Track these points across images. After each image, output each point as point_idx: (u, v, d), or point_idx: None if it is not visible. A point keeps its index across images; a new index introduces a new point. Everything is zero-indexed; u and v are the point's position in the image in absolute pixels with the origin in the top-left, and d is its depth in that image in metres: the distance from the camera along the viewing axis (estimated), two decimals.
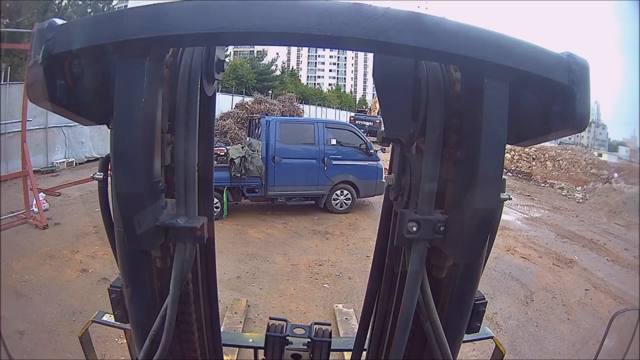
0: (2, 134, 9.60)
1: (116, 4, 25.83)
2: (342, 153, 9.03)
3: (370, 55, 0.89)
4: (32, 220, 7.12)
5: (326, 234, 7.95)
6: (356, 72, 70.70)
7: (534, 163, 18.04)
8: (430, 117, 0.86)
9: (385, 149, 9.20)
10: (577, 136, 31.54)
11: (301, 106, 22.69)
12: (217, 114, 14.31)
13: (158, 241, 0.85)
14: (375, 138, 10.30)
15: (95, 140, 13.22)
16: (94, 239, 6.60)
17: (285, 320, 1.60)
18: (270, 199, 8.93)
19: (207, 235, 0.92)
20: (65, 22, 0.72)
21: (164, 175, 0.92)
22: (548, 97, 0.76)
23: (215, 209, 4.91)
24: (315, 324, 1.61)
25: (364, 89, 65.81)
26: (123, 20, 0.67)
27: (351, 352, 1.56)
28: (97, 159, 7.28)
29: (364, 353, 1.46)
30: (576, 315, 5.34)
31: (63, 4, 18.88)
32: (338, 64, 72.00)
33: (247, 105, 18.42)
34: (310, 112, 30.09)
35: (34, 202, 7.38)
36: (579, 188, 14.63)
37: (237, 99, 22.55)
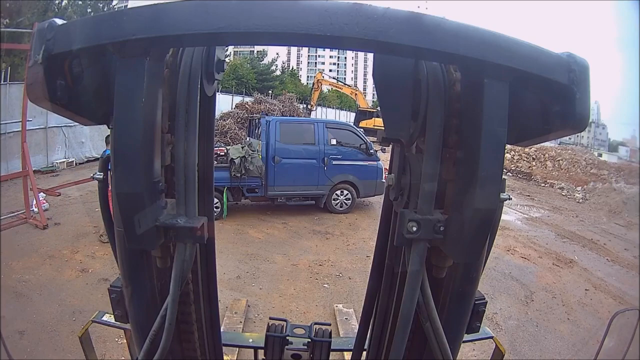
0: (2, 134, 9.60)
1: (116, 4, 25.85)
2: (342, 153, 9.03)
3: (370, 55, 0.89)
4: (32, 220, 7.12)
5: (326, 234, 7.95)
6: (356, 72, 70.75)
7: (534, 163, 18.05)
8: (430, 117, 0.86)
9: (385, 149, 9.22)
10: (577, 136, 31.58)
11: (301, 106, 22.64)
12: (217, 114, 14.28)
13: (158, 241, 0.85)
14: (375, 138, 10.34)
15: (95, 140, 13.21)
16: (94, 239, 6.61)
17: (285, 320, 1.60)
18: (270, 199, 8.93)
19: (207, 235, 0.92)
20: (65, 22, 0.72)
21: (164, 175, 0.92)
22: (548, 97, 0.76)
23: (215, 209, 4.91)
24: (315, 324, 1.61)
25: (364, 89, 65.83)
26: (123, 20, 0.67)
27: (351, 352, 1.56)
28: (97, 159, 7.27)
29: (364, 353, 1.46)
30: (576, 315, 5.34)
31: (63, 4, 18.91)
32: (338, 64, 72.02)
33: (247, 105, 18.37)
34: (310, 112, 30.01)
35: (34, 202, 7.38)
36: (579, 188, 14.64)
37: (237, 99, 22.53)
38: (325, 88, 30.65)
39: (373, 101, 35.66)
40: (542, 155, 18.21)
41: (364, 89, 63.16)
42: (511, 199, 1.01)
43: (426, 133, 0.86)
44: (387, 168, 2.69)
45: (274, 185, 8.68)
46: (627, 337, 1.61)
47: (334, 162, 8.91)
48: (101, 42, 0.68)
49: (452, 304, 0.98)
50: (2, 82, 10.79)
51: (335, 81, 30.88)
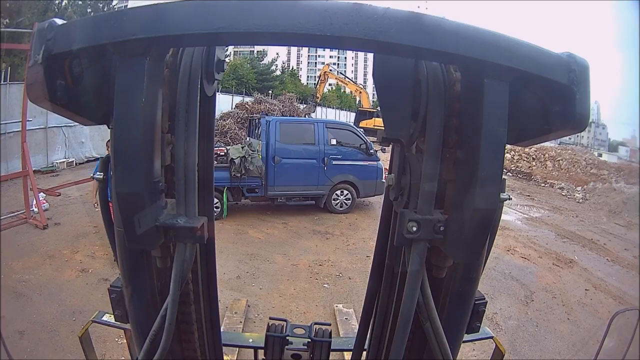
0: (2, 134, 9.60)
1: (116, 4, 25.86)
2: (342, 153, 9.04)
3: (371, 55, 0.89)
4: (32, 220, 7.12)
5: (326, 234, 7.95)
6: (356, 72, 70.65)
7: (534, 163, 18.05)
8: (430, 117, 0.86)
9: (385, 149, 9.22)
10: (577, 136, 31.59)
11: (301, 106, 22.65)
12: (217, 114, 14.29)
13: (158, 241, 0.85)
14: (375, 138, 10.32)
15: (95, 140, 13.22)
16: (94, 239, 6.61)
17: (285, 320, 1.60)
18: (270, 199, 8.93)
19: (207, 235, 0.92)
20: (65, 22, 0.72)
21: (164, 175, 0.92)
22: (548, 97, 0.76)
23: (215, 209, 4.91)
24: (315, 324, 1.61)
25: (364, 89, 65.83)
26: (123, 20, 0.67)
27: (351, 352, 1.56)
28: (97, 159, 7.28)
29: (364, 353, 1.46)
30: (576, 315, 5.34)
31: (63, 4, 18.92)
32: (338, 64, 71.95)
33: (247, 105, 18.38)
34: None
35: (34, 202, 7.38)
36: (579, 188, 14.64)
37: (237, 99, 22.53)
38: (325, 88, 30.59)
39: (373, 101, 35.65)
40: (542, 155, 18.22)
41: (364, 89, 62.86)
42: (511, 199, 1.01)
43: (426, 133, 0.86)
44: (387, 168, 2.69)
45: (274, 185, 8.68)
46: (627, 337, 1.61)
47: (334, 162, 8.92)
48: (101, 42, 0.68)
49: (452, 304, 0.98)
50: (2, 82, 10.80)
51: (341, 76, 30.77)
